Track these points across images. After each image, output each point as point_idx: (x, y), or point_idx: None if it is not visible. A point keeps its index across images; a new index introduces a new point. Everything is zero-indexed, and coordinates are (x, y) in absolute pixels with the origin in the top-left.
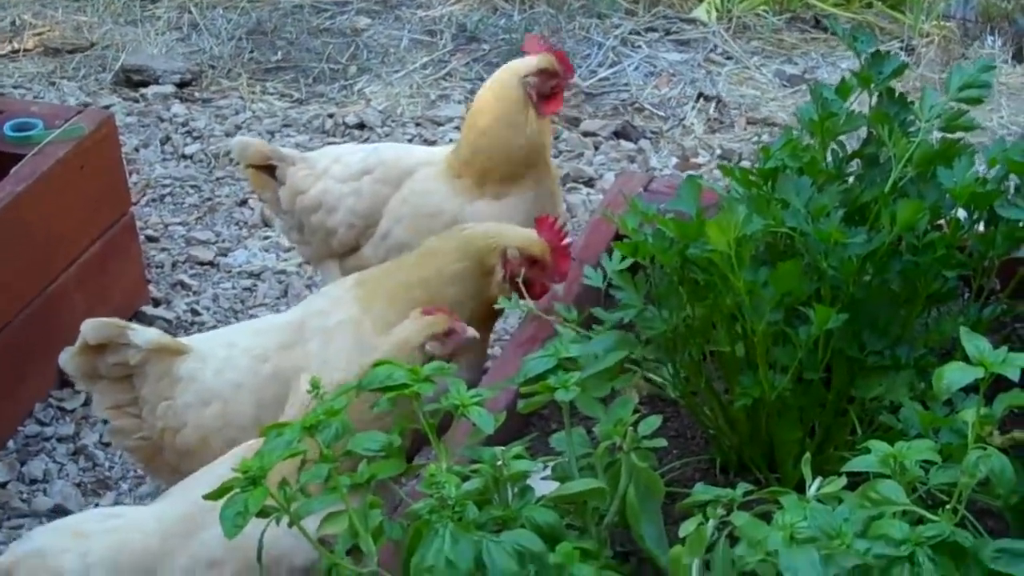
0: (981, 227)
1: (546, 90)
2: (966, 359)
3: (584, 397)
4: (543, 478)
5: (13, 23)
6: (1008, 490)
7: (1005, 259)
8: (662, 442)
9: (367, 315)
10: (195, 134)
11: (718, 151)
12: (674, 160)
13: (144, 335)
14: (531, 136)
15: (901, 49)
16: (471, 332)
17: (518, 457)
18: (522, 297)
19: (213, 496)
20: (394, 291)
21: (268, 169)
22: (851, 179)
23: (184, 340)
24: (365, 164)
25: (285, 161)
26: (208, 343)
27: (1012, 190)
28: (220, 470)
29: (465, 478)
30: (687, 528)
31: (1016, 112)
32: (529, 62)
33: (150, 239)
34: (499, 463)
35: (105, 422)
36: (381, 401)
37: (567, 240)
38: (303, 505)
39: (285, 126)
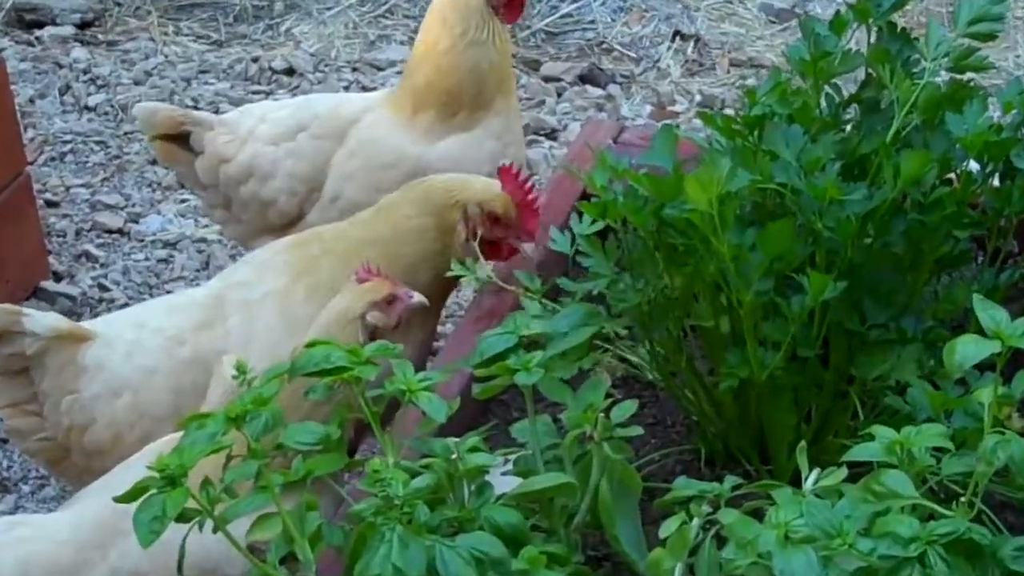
0: (996, 181)
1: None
2: (981, 331)
3: (549, 380)
4: (503, 473)
5: None
6: None
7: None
8: (638, 430)
9: (299, 283)
10: (99, 82)
11: (697, 97)
12: (648, 108)
13: (41, 321)
14: (500, 50)
15: None
16: (418, 298)
17: (475, 450)
18: (487, 260)
19: (126, 499)
20: (347, 252)
21: (180, 138)
22: (848, 127)
23: (87, 324)
24: (298, 119)
25: (201, 126)
26: (115, 325)
27: None
28: (137, 468)
29: (414, 474)
30: (668, 528)
31: None
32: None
33: (49, 204)
34: (453, 456)
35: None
36: (317, 387)
37: (534, 194)
38: (230, 507)
39: (202, 72)
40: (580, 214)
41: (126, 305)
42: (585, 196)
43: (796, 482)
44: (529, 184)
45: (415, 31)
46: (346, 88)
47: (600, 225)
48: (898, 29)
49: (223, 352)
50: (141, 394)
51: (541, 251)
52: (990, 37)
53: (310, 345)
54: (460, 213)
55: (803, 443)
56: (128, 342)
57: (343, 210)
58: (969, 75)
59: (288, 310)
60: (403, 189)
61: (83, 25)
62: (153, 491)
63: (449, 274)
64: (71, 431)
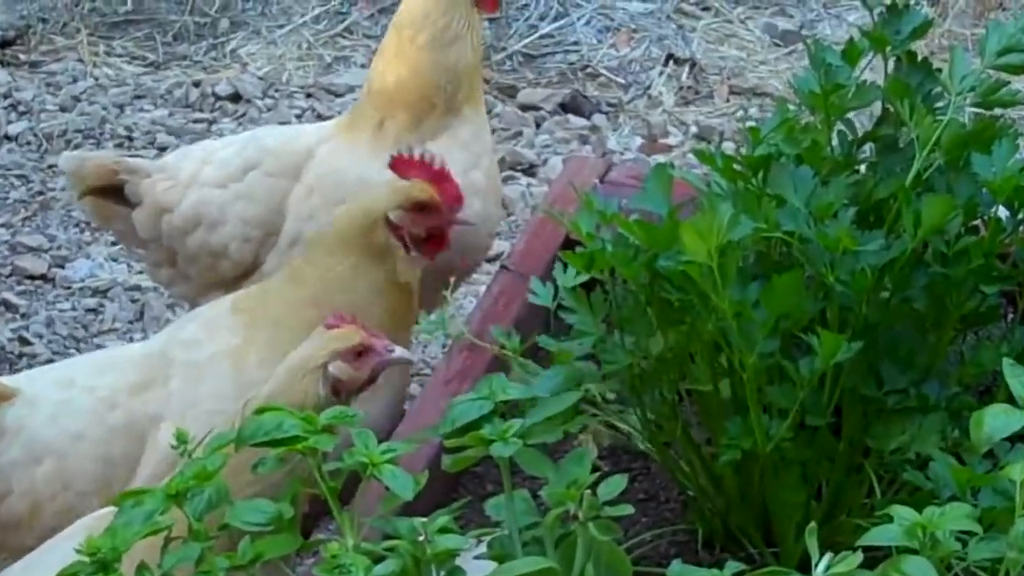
0: None
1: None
2: (1011, 400)
3: (528, 452)
4: (476, 557)
5: None
6: None
7: None
8: (629, 509)
9: (252, 345)
10: (21, 108)
11: (693, 129)
12: (638, 140)
13: None
14: (476, 50)
15: None
16: (400, 352)
17: (445, 530)
18: (433, 258)
19: None
20: (280, 315)
21: (113, 191)
22: (863, 169)
23: (7, 380)
24: (245, 157)
25: (136, 174)
26: (39, 383)
27: None
28: (64, 549)
29: (378, 559)
30: None
31: None
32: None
33: None
34: (420, 538)
35: None
36: (267, 459)
37: (435, 164)
38: None
39: (137, 98)
40: (564, 263)
41: (50, 361)
42: (569, 243)
43: (805, 567)
44: (427, 157)
45: (375, 53)
46: (299, 117)
47: (585, 277)
48: (918, 59)
49: (160, 418)
50: (66, 462)
51: (519, 305)
52: (1021, 69)
53: (260, 411)
54: (384, 229)
55: (813, 524)
56: (54, 403)
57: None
58: (997, 110)
59: (239, 374)
60: (314, 237)
61: (3, 44)
62: None
63: (416, 328)
64: None
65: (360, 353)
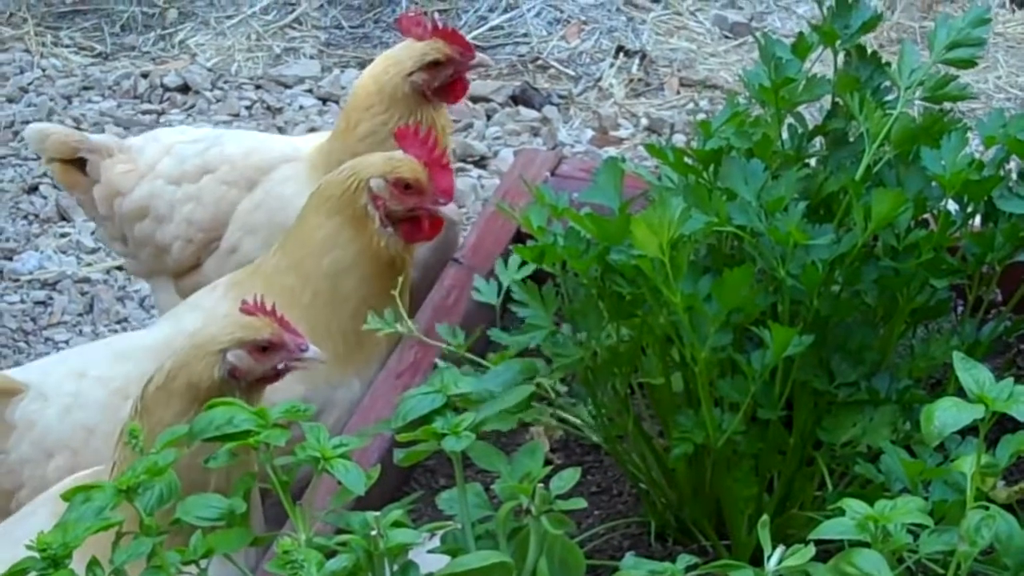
0: (977, 223)
1: (442, 81)
2: (962, 393)
3: (480, 446)
4: (430, 551)
5: None
6: (1018, 560)
7: (1008, 264)
8: (582, 503)
9: None
10: None
11: (644, 121)
12: (588, 132)
13: None
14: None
15: None
16: (313, 352)
17: (398, 525)
18: (409, 242)
19: None
20: (267, 283)
21: (78, 162)
22: (813, 162)
23: (16, 373)
24: (204, 160)
25: (98, 152)
26: (51, 374)
27: (1015, 176)
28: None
29: (330, 553)
30: None
31: (1017, 70)
32: (414, 53)
33: None
34: (373, 533)
35: None
36: (219, 453)
37: (440, 151)
38: None
39: (85, 88)
40: (508, 258)
41: None
42: (520, 236)
43: (757, 560)
44: (433, 141)
45: (325, 44)
46: (248, 108)
47: (531, 268)
48: (868, 52)
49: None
50: (79, 456)
51: (466, 301)
52: (970, 63)
53: (211, 405)
54: (366, 194)
55: (765, 516)
56: (67, 395)
57: (239, 264)
58: (947, 104)
59: None
60: (308, 198)
61: None
62: (33, 574)
63: (366, 327)
64: None
65: (266, 348)
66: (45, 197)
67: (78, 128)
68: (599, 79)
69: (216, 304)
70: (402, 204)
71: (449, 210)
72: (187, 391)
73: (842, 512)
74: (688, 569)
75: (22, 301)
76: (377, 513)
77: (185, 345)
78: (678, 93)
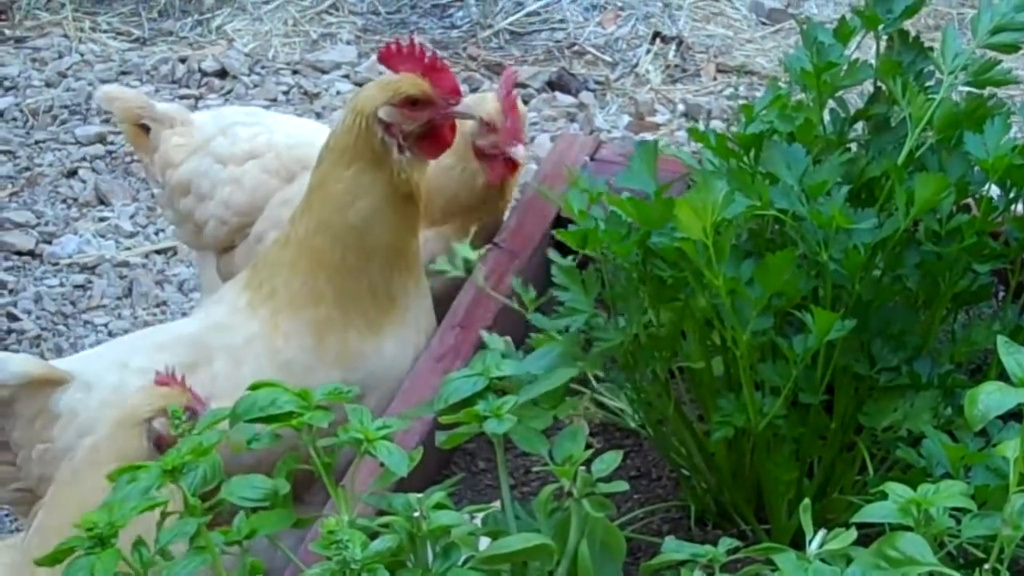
0: (1020, 208)
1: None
2: (1004, 377)
3: (522, 428)
4: (470, 533)
5: None
6: None
7: None
8: (623, 486)
9: (274, 324)
10: (7, 83)
11: (680, 107)
12: (625, 118)
13: (9, 366)
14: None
15: None
16: None
17: (440, 506)
18: (430, 158)
19: (46, 561)
20: (298, 250)
21: (147, 127)
22: (855, 147)
23: (63, 364)
24: (253, 145)
25: (160, 122)
26: (95, 365)
27: None
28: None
29: (373, 535)
30: None
31: None
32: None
33: None
34: (416, 514)
35: None
36: (262, 435)
37: (429, 54)
38: (165, 570)
39: (123, 74)
40: (548, 241)
41: (39, 337)
42: (560, 220)
43: (798, 544)
44: (419, 48)
45: (362, 29)
46: (285, 93)
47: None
48: (910, 37)
49: (211, 398)
50: None
51: (506, 287)
52: (1014, 48)
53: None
54: (379, 128)
55: (806, 500)
56: (109, 386)
57: None
58: (990, 89)
59: (276, 355)
60: (318, 159)
61: None
62: (80, 553)
63: (431, 266)
64: (43, 483)
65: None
66: (84, 181)
67: None
68: (636, 65)
69: (235, 300)
70: (416, 120)
71: (463, 107)
72: (116, 462)
73: (884, 496)
74: (730, 552)
75: (61, 285)
76: (419, 495)
77: (110, 422)
78: (715, 79)
